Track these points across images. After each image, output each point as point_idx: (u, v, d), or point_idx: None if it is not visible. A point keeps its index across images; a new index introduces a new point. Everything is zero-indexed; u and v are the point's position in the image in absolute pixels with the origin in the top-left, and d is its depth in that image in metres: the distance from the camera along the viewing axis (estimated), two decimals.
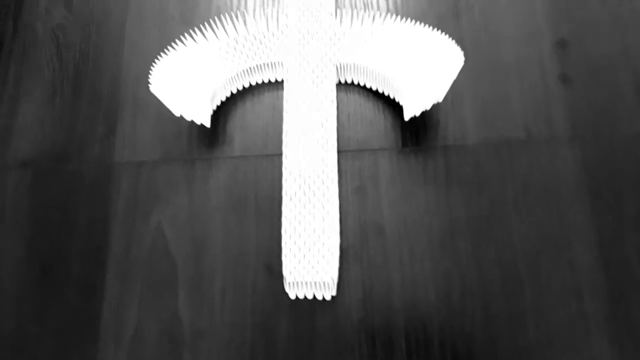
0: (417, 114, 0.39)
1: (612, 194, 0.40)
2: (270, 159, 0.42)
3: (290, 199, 0.39)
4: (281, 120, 0.43)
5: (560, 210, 0.40)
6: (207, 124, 0.41)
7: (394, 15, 0.43)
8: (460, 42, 0.44)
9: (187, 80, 0.41)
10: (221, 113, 0.44)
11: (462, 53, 0.40)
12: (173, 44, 0.43)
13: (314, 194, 0.39)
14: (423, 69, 0.40)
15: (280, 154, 0.42)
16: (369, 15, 0.43)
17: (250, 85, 0.45)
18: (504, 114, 0.43)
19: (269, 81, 0.45)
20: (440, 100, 0.39)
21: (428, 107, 0.38)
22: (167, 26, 0.47)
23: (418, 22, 0.43)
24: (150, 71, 0.41)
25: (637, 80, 0.43)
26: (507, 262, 0.39)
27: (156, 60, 0.42)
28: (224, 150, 0.43)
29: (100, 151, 0.43)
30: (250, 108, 0.44)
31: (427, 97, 0.38)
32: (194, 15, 0.47)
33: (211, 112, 0.43)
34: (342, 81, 0.45)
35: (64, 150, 0.44)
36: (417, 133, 0.43)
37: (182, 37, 0.44)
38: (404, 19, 0.43)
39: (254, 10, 0.46)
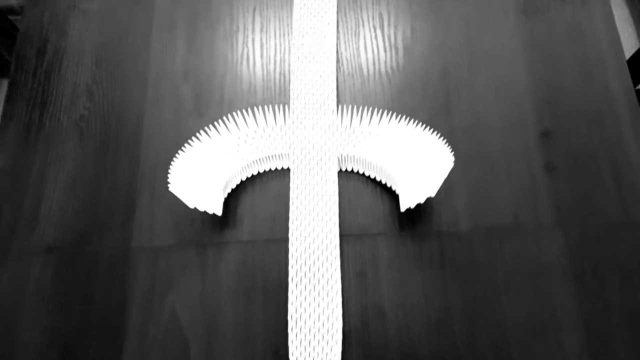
0: (412, 206, 0.42)
1: (596, 278, 0.43)
2: (277, 244, 0.46)
3: (296, 285, 0.42)
4: (287, 207, 0.46)
5: (548, 293, 0.43)
6: (219, 213, 0.44)
7: (391, 111, 0.48)
8: (451, 133, 0.48)
9: (201, 175, 0.45)
10: (231, 199, 0.48)
11: (452, 154, 0.44)
12: (189, 140, 0.47)
13: (319, 282, 0.42)
14: (417, 166, 0.44)
15: (287, 239, 0.45)
16: (367, 112, 0.48)
17: (259, 172, 0.49)
18: (493, 201, 0.46)
19: (276, 168, 0.49)
20: (433, 195, 0.42)
21: (422, 201, 0.42)
22: (183, 118, 0.51)
23: (413, 116, 0.47)
24: (167, 162, 0.45)
25: (615, 171, 0.46)
26: (499, 343, 0.41)
27: (173, 155, 0.46)
28: (234, 234, 0.46)
29: (119, 237, 0.47)
30: (258, 195, 0.48)
31: (420, 192, 0.42)
32: (209, 107, 0.51)
33: (222, 201, 0.46)
34: (344, 169, 0.48)
35: (85, 236, 0.47)
36: (413, 218, 0.46)
37: (196, 131, 0.48)
38: (400, 115, 0.47)
39: (263, 105, 0.50)
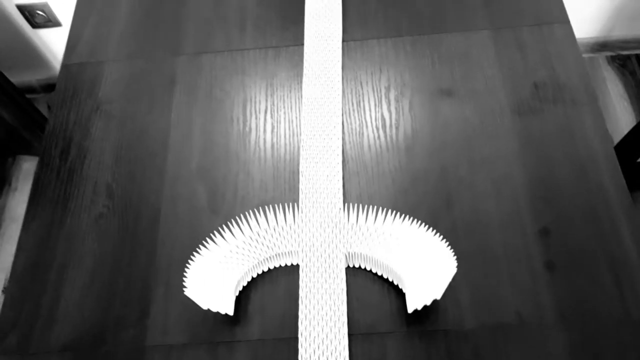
0: (419, 308, 0.44)
1: None
2: (286, 343, 0.47)
3: None
4: (296, 304, 0.48)
5: None
6: (231, 313, 0.46)
7: (394, 210, 0.50)
8: (452, 230, 0.50)
9: (215, 278, 0.47)
10: (242, 296, 0.49)
11: (454, 253, 0.46)
12: (203, 237, 0.49)
13: None
14: (422, 267, 0.46)
15: (296, 337, 0.46)
16: (372, 210, 0.50)
17: (269, 269, 0.50)
18: (497, 299, 0.47)
19: (286, 265, 0.51)
20: (439, 298, 0.44)
21: (428, 303, 0.43)
22: (197, 215, 0.53)
23: (415, 214, 0.50)
24: (182, 259, 0.47)
25: (614, 268, 0.48)
26: None
27: (188, 252, 0.48)
28: (245, 333, 0.48)
29: (134, 334, 0.48)
30: (268, 292, 0.49)
31: (426, 294, 0.43)
32: (223, 205, 0.54)
33: (234, 300, 0.48)
34: (351, 266, 0.50)
35: (101, 333, 0.48)
36: (420, 316, 0.47)
37: (211, 227, 0.51)
38: (403, 214, 0.50)
39: (273, 202, 0.53)
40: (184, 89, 0.62)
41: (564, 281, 0.48)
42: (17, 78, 1.33)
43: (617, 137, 1.22)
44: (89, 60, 0.65)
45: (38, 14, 1.19)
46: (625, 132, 1.19)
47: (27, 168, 1.39)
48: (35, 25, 1.23)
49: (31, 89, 1.49)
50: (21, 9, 1.18)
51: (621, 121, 1.37)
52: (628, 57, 1.46)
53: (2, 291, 1.21)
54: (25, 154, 1.38)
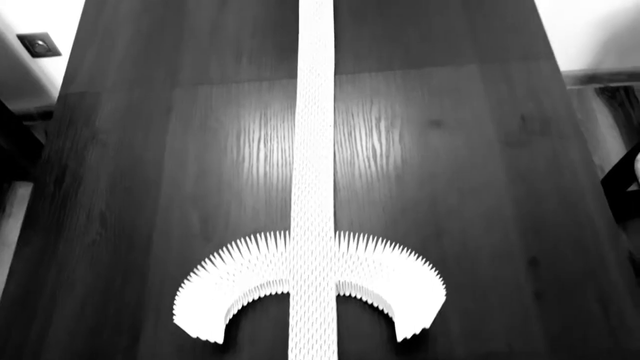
0: (408, 336, 0.44)
1: None
2: None
3: None
4: (286, 332, 0.48)
5: None
6: (220, 342, 0.46)
7: (385, 238, 0.51)
8: (442, 259, 0.51)
9: (205, 306, 0.47)
10: (232, 323, 0.49)
11: (443, 283, 0.46)
12: (194, 266, 0.50)
13: None
14: (411, 296, 0.46)
15: None
16: (363, 238, 0.51)
17: (260, 297, 0.51)
18: (487, 328, 0.48)
19: (276, 293, 0.51)
20: (428, 326, 0.44)
21: (417, 332, 0.43)
22: (189, 242, 0.54)
23: (405, 242, 0.51)
24: (172, 287, 0.47)
25: (601, 298, 0.48)
26: None
27: (179, 280, 0.48)
28: None
29: None
30: (258, 320, 0.49)
31: (416, 323, 0.44)
32: (215, 232, 0.54)
33: (224, 328, 0.48)
34: (342, 294, 0.50)
35: None
36: (409, 345, 0.47)
37: (202, 255, 0.51)
38: (394, 243, 0.50)
39: (265, 230, 0.54)
40: (179, 119, 0.63)
41: (552, 311, 0.48)
42: (16, 105, 1.35)
43: (607, 167, 1.24)
44: (87, 90, 0.66)
45: (38, 43, 1.22)
46: (615, 162, 1.21)
47: (22, 194, 1.39)
48: (35, 54, 1.26)
49: (29, 117, 1.50)
50: (22, 38, 1.21)
51: (611, 152, 1.39)
52: (617, 89, 1.50)
53: None
54: (21, 180, 1.38)
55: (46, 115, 1.49)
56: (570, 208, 0.53)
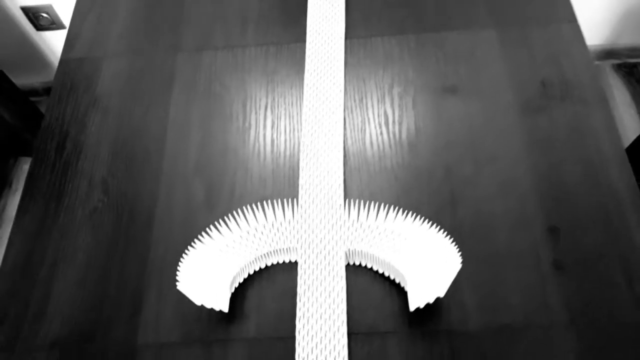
0: (421, 305, 0.42)
1: None
2: (283, 342, 0.45)
3: None
4: (294, 302, 0.46)
5: None
6: (226, 310, 0.44)
7: (397, 207, 0.48)
8: (457, 229, 0.49)
9: (209, 273, 0.45)
10: (238, 293, 0.47)
11: (458, 251, 0.44)
12: (198, 235, 0.48)
13: None
14: (425, 265, 0.44)
15: (293, 337, 0.44)
16: (374, 207, 0.49)
17: (266, 265, 0.49)
18: (503, 300, 0.45)
19: (284, 262, 0.49)
20: (442, 295, 0.42)
21: (431, 301, 0.41)
22: (193, 212, 0.52)
23: (418, 211, 0.48)
24: (175, 257, 0.46)
25: (628, 269, 0.46)
26: None
27: (182, 250, 0.47)
28: (240, 330, 0.46)
29: (124, 332, 0.46)
30: (265, 289, 0.48)
31: (429, 292, 0.42)
32: (219, 201, 0.52)
33: (229, 297, 0.46)
34: (352, 263, 0.48)
35: (91, 331, 0.47)
36: (422, 316, 0.45)
37: (206, 225, 0.49)
38: (406, 211, 0.48)
39: (272, 198, 0.52)
40: (183, 85, 0.60)
41: (573, 282, 0.46)
42: (20, 80, 1.33)
43: (625, 145, 1.20)
44: (88, 56, 0.64)
45: (42, 16, 1.19)
46: (632, 139, 1.17)
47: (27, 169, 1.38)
48: (39, 27, 1.23)
49: (34, 92, 1.48)
50: (25, 11, 1.18)
51: (628, 129, 1.35)
52: (635, 65, 1.45)
53: None
54: (26, 155, 1.37)
55: (51, 90, 1.47)
56: (592, 176, 0.51)
